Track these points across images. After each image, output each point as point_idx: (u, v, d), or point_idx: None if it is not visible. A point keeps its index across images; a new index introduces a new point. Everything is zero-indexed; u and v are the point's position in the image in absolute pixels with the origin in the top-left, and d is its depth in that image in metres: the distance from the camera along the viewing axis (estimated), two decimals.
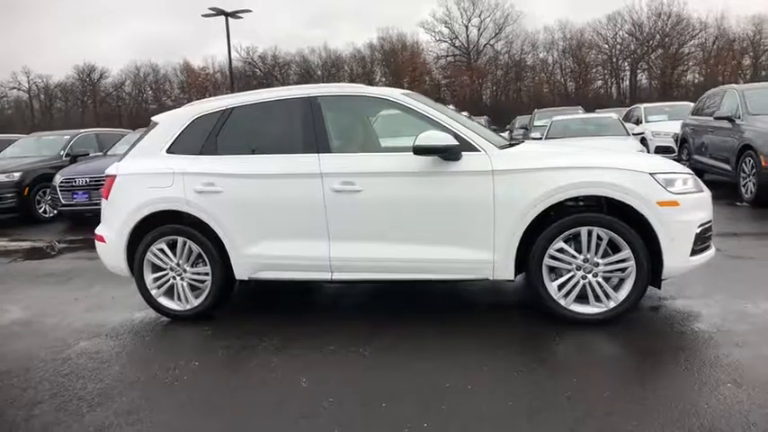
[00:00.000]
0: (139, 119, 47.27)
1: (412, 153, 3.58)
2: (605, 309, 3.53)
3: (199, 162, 4.01)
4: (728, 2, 69.55)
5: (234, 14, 22.25)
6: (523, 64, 54.78)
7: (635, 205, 3.40)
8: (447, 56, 56.87)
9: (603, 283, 3.52)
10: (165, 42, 75.82)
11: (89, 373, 3.31)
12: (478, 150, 3.63)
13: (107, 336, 3.95)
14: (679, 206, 3.41)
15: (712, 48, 48.21)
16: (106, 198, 4.28)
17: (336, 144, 3.93)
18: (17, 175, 9.66)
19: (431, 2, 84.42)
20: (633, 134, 10.47)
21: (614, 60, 52.50)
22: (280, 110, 4.06)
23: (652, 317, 3.71)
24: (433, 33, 56.03)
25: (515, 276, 3.63)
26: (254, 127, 4.11)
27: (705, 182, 3.93)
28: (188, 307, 4.11)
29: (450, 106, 8.89)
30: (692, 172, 3.74)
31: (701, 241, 3.53)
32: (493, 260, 3.60)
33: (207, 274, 4.04)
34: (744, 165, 7.46)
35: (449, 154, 3.58)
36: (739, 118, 7.83)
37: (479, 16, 54.31)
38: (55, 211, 9.68)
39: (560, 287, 3.57)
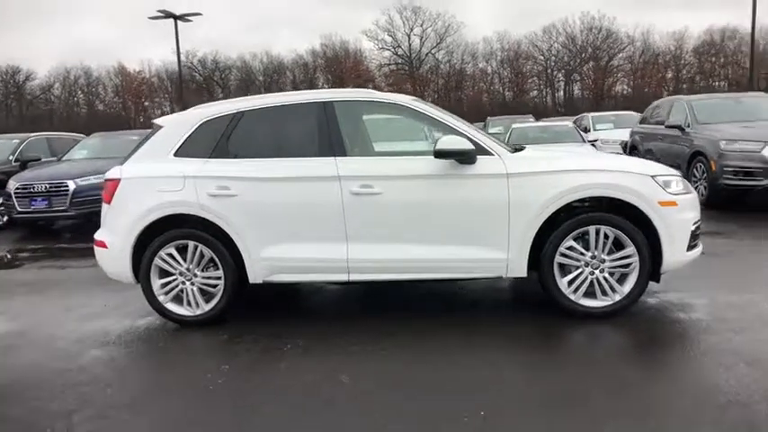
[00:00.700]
0: (71, 123, 44.97)
1: (433, 156, 3.72)
2: (611, 302, 3.79)
3: (211, 165, 3.97)
4: (654, 18, 74.55)
5: (183, 17, 21.65)
6: (464, 73, 56.37)
7: (640, 205, 3.68)
8: (390, 64, 57.69)
9: (609, 277, 3.78)
10: (97, 45, 72.59)
11: (114, 381, 3.22)
12: (492, 154, 3.81)
13: (116, 344, 3.83)
14: (677, 206, 3.73)
15: (639, 61, 51.40)
16: (108, 202, 4.14)
17: (352, 148, 4.00)
18: None
19: (373, 10, 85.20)
20: (588, 141, 11.07)
21: (549, 71, 54.96)
22: (293, 114, 4.09)
23: (650, 308, 4.00)
24: (376, 41, 56.75)
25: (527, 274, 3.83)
26: (268, 131, 4.12)
27: None
28: (198, 312, 4.05)
29: None
30: (679, 174, 4.08)
31: (694, 238, 3.86)
32: (507, 259, 3.78)
33: (219, 278, 4.01)
34: (695, 170, 8.08)
35: (466, 157, 3.73)
36: (689, 126, 8.47)
37: (421, 26, 55.52)
38: (5, 219, 9.13)
39: (570, 283, 3.80)
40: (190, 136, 4.10)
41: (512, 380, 3.00)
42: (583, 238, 3.79)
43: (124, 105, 58.62)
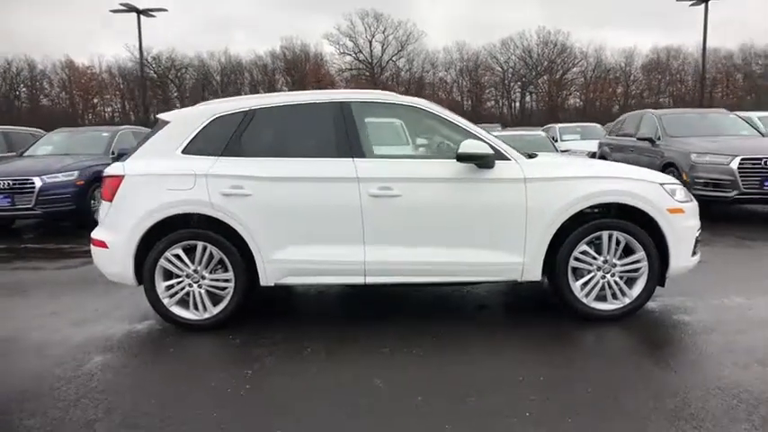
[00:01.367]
0: (11, 117, 42.61)
1: (455, 160, 3.74)
2: (621, 305, 3.90)
3: (223, 164, 3.86)
4: (606, 35, 77.73)
5: (147, 12, 20.91)
6: (424, 81, 56.98)
7: (650, 212, 3.81)
8: (351, 69, 57.69)
9: (620, 281, 3.89)
10: (42, 38, 69.28)
11: (131, 389, 3.06)
12: (509, 159, 3.86)
13: (121, 349, 3.65)
14: (684, 213, 3.88)
15: (592, 76, 53.40)
16: (110, 200, 3.95)
17: (369, 149, 3.97)
18: None
19: (335, 15, 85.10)
20: (561, 151, 11.38)
21: (507, 82, 56.31)
22: (309, 113, 4.02)
23: (655, 312, 4.13)
24: (338, 45, 56.67)
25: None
26: (282, 130, 4.03)
27: None
28: (206, 316, 3.91)
29: None
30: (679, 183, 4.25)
31: (696, 245, 4.03)
32: (523, 262, 3.83)
33: (228, 280, 3.89)
34: None
35: (485, 162, 3.77)
36: (659, 139, 8.86)
37: (383, 32, 55.87)
38: None
39: (582, 287, 3.89)
40: (199, 133, 3.96)
41: (548, 378, 3.04)
42: (593, 243, 3.89)
43: (72, 101, 56.15)
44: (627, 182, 3.87)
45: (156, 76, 54.81)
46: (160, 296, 3.89)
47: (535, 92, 56.40)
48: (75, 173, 8.08)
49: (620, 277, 3.91)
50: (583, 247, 3.85)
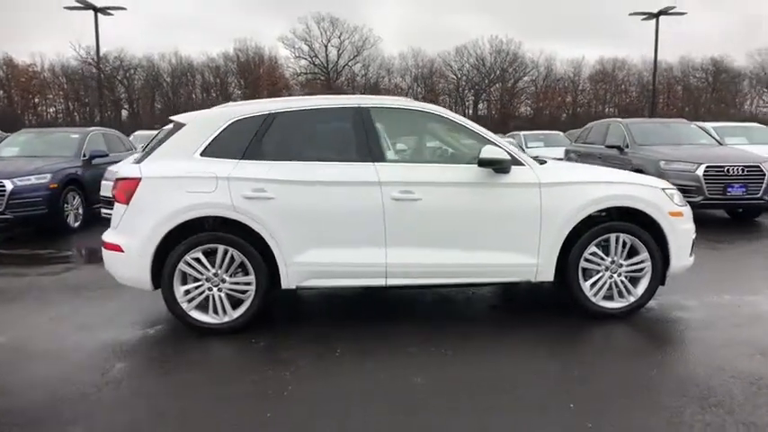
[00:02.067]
0: None
1: (476, 165, 3.87)
2: (627, 303, 4.13)
3: (245, 167, 3.85)
4: (556, 46, 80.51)
5: (104, 10, 20.10)
6: (379, 87, 57.29)
7: (654, 215, 4.05)
8: (307, 73, 57.42)
9: (626, 281, 4.12)
10: None
11: (168, 395, 3.02)
12: (524, 165, 4.03)
13: (138, 355, 3.59)
14: (683, 216, 4.15)
15: (542, 85, 55.19)
16: (125, 203, 3.86)
17: (390, 154, 4.05)
18: None
19: (289, 18, 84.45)
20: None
21: (460, 90, 57.40)
22: (329, 118, 4.07)
23: (656, 309, 4.39)
24: (293, 49, 56.26)
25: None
26: (303, 134, 4.06)
27: None
28: (226, 320, 3.88)
29: None
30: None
31: (692, 246, 4.31)
32: (537, 264, 4.00)
33: (249, 283, 3.87)
34: None
35: (503, 167, 3.92)
36: (627, 147, 9.32)
37: (339, 37, 55.88)
38: None
39: (591, 286, 4.09)
40: (218, 135, 3.94)
41: (581, 372, 3.20)
42: (601, 245, 4.11)
43: (10, 100, 53.32)
44: (634, 186, 4.11)
45: (103, 77, 52.73)
46: (179, 300, 3.83)
47: (488, 99, 57.78)
48: (48, 175, 7.75)
49: (626, 277, 4.14)
50: (592, 248, 4.06)
